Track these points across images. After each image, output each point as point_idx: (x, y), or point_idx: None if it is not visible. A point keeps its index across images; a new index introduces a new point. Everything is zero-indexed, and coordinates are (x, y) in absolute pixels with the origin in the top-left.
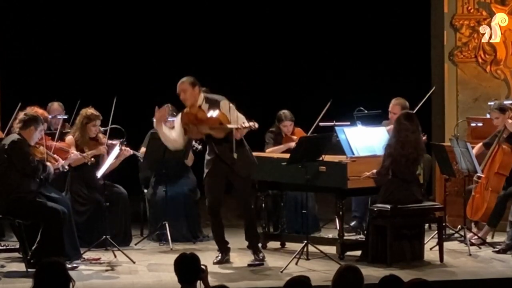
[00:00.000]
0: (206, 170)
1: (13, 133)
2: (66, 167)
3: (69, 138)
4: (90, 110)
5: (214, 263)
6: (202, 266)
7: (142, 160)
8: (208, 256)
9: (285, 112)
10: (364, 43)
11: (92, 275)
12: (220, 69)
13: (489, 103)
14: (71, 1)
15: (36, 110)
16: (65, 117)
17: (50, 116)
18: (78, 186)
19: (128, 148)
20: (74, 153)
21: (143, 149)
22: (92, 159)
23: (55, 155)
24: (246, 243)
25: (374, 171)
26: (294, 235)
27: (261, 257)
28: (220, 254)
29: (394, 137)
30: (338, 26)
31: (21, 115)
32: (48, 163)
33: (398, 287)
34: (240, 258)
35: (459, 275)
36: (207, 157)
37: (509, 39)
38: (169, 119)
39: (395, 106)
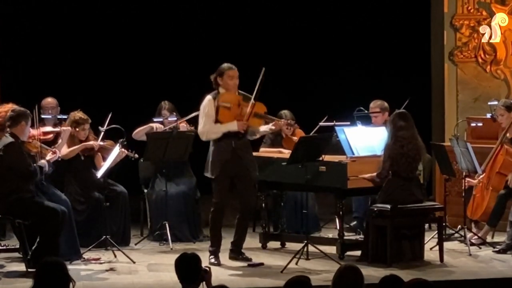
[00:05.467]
0: (216, 169)
1: (5, 134)
2: (59, 155)
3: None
4: (79, 114)
5: (214, 264)
6: (206, 268)
7: (133, 159)
8: (208, 256)
9: (285, 112)
10: (364, 43)
11: (92, 275)
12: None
13: (489, 103)
14: (70, 0)
15: (10, 107)
16: (64, 116)
17: (50, 116)
18: (75, 186)
19: (123, 150)
20: (64, 129)
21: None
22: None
23: (50, 148)
24: (246, 243)
25: (374, 174)
26: (294, 235)
27: (250, 257)
28: (213, 256)
29: (392, 138)
30: (338, 25)
31: (9, 112)
32: (43, 161)
33: (398, 287)
34: None
35: (459, 275)
36: (217, 152)
37: (509, 39)
38: (169, 118)
39: (375, 107)
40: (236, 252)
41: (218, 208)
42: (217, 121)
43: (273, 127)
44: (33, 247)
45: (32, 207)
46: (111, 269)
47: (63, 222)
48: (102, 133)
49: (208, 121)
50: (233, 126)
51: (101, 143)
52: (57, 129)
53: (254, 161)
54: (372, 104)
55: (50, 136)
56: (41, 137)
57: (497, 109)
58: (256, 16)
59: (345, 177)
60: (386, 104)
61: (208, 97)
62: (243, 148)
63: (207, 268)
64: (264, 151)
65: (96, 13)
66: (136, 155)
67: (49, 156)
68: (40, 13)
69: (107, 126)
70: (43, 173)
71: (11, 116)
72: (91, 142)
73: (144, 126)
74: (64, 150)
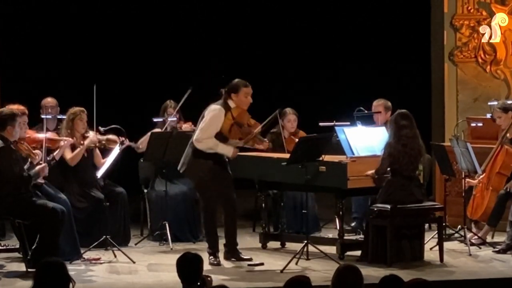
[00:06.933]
0: (202, 172)
1: None
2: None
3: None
4: (74, 108)
5: (213, 265)
6: (208, 276)
7: (138, 151)
8: (208, 256)
9: (288, 108)
10: (364, 43)
11: (92, 275)
12: (220, 70)
13: (489, 103)
14: (70, 0)
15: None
16: (64, 116)
17: (50, 116)
18: (75, 185)
19: (125, 139)
20: (66, 139)
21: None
22: (82, 142)
23: (35, 151)
24: (245, 243)
25: (374, 171)
26: (294, 235)
27: (250, 257)
28: (213, 257)
29: (394, 137)
30: (338, 25)
31: None
32: (38, 170)
33: (398, 287)
34: None
35: (459, 275)
36: (206, 163)
37: (509, 39)
38: (169, 119)
39: (379, 105)
40: (232, 252)
41: (209, 211)
42: (222, 134)
43: (257, 146)
44: (33, 247)
45: (32, 207)
46: (111, 269)
47: (63, 222)
48: (103, 130)
49: (212, 133)
50: (228, 152)
51: (102, 137)
52: (63, 138)
53: (227, 161)
54: (375, 103)
55: (56, 145)
56: (47, 145)
57: (494, 111)
58: (257, 16)
59: (345, 177)
60: (389, 103)
61: (218, 107)
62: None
63: (209, 277)
64: None
65: (96, 13)
66: (140, 146)
67: (36, 161)
68: (40, 13)
69: (107, 126)
70: (30, 181)
71: None
72: (93, 139)
73: (146, 136)
74: (68, 155)
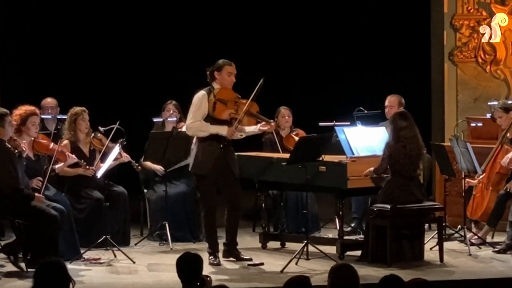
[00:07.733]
0: (206, 168)
1: None
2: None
3: (66, 142)
4: (76, 108)
5: (213, 265)
6: (207, 276)
7: (137, 170)
8: (208, 256)
9: (284, 107)
10: (364, 43)
11: (92, 275)
12: None
13: (489, 103)
14: (70, 0)
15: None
16: (64, 117)
17: (49, 116)
18: (76, 187)
19: (127, 155)
20: (72, 156)
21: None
22: (87, 166)
23: (23, 146)
24: (245, 243)
25: (372, 168)
26: (294, 235)
27: (250, 257)
28: (212, 257)
29: (393, 137)
30: (338, 25)
31: None
32: (37, 196)
33: (398, 287)
34: None
35: (459, 275)
36: (207, 151)
37: (509, 39)
38: (169, 119)
39: (392, 98)
40: (231, 251)
41: (210, 211)
42: (211, 116)
43: (263, 128)
44: (29, 247)
45: (32, 207)
46: (111, 269)
47: (62, 222)
48: (103, 130)
49: (198, 116)
50: (222, 130)
51: (110, 143)
52: (72, 156)
53: (235, 159)
54: (389, 97)
55: (63, 160)
56: (57, 156)
57: (495, 111)
58: (257, 16)
59: (345, 177)
60: (403, 100)
61: (202, 92)
62: (228, 147)
63: (208, 277)
64: None
65: (96, 13)
66: (140, 168)
67: (25, 154)
68: (40, 13)
69: (107, 126)
70: (23, 195)
71: None
72: (88, 172)
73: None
74: (61, 167)
